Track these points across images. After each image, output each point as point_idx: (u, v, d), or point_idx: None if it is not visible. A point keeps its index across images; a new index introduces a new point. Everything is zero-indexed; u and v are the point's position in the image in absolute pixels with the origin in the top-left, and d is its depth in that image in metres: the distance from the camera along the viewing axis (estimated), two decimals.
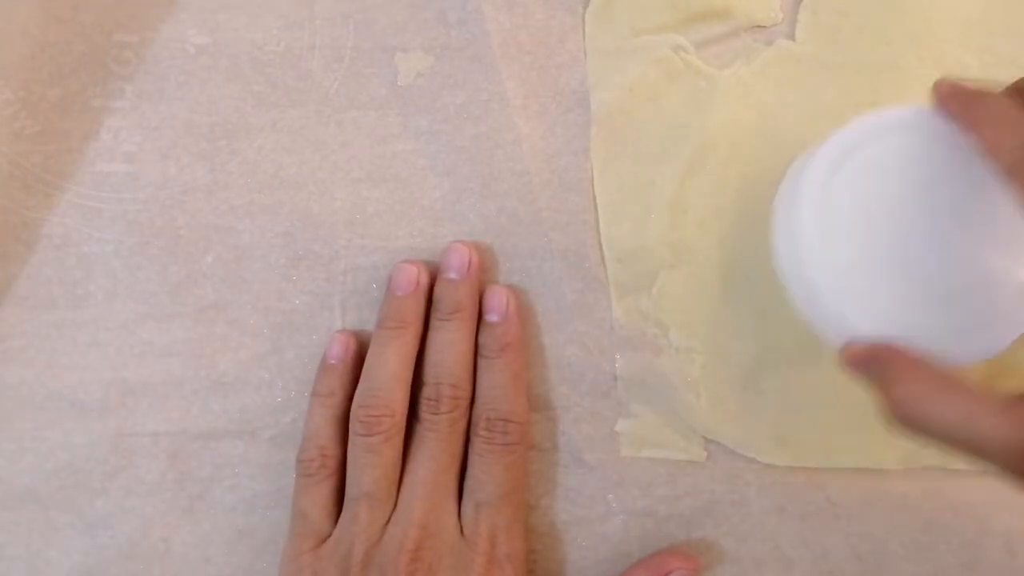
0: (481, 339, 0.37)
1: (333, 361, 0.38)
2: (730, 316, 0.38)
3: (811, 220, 0.32)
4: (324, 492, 0.36)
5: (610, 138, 0.39)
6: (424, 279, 0.38)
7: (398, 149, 0.39)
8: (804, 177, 0.33)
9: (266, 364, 0.38)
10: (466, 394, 0.37)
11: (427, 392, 0.37)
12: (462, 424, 0.37)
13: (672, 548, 0.38)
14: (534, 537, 0.38)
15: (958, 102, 0.32)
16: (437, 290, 0.38)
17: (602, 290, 0.39)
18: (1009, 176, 0.29)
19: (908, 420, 0.29)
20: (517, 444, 0.36)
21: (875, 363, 0.31)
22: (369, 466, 0.36)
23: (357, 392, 0.37)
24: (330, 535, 0.36)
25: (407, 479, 0.36)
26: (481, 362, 0.37)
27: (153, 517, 0.38)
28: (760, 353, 0.38)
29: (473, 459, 0.36)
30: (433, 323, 0.37)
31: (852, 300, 0.32)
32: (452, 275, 0.37)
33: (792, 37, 0.39)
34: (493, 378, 0.37)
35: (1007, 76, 0.38)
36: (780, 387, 0.38)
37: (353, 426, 0.36)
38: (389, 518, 0.36)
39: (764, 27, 0.39)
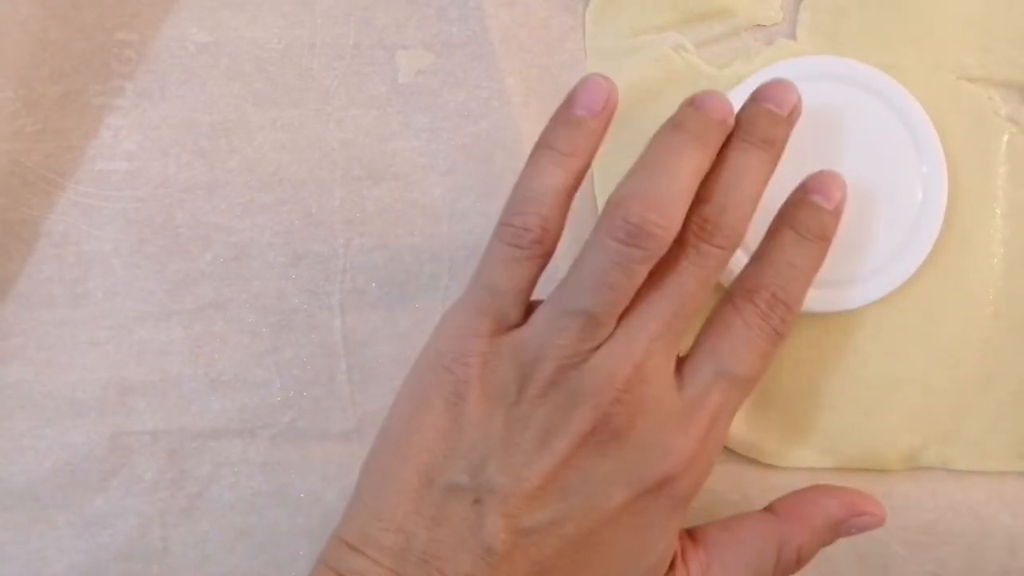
0: (802, 215, 0.32)
1: (582, 113, 0.31)
2: None
3: None
4: (528, 272, 0.31)
5: (611, 137, 0.39)
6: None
7: (398, 147, 0.39)
8: None
9: (265, 363, 0.38)
10: (741, 240, 0.31)
11: (706, 212, 0.30)
12: (723, 269, 0.31)
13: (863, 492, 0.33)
14: None
15: None
16: (749, 113, 0.32)
17: None
18: None
19: None
20: (782, 339, 0.31)
21: None
22: (608, 285, 0.29)
23: (613, 194, 0.30)
24: (514, 326, 0.31)
25: (641, 307, 0.30)
26: (790, 234, 0.32)
27: (152, 516, 0.38)
28: None
29: (737, 325, 0.31)
30: (736, 143, 0.31)
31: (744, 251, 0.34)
32: (772, 107, 0.32)
33: (792, 36, 0.39)
34: (798, 258, 0.32)
35: (1007, 76, 0.38)
36: (781, 387, 0.38)
37: (611, 222, 0.29)
38: (599, 345, 0.30)
39: (764, 26, 0.39)
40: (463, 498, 0.30)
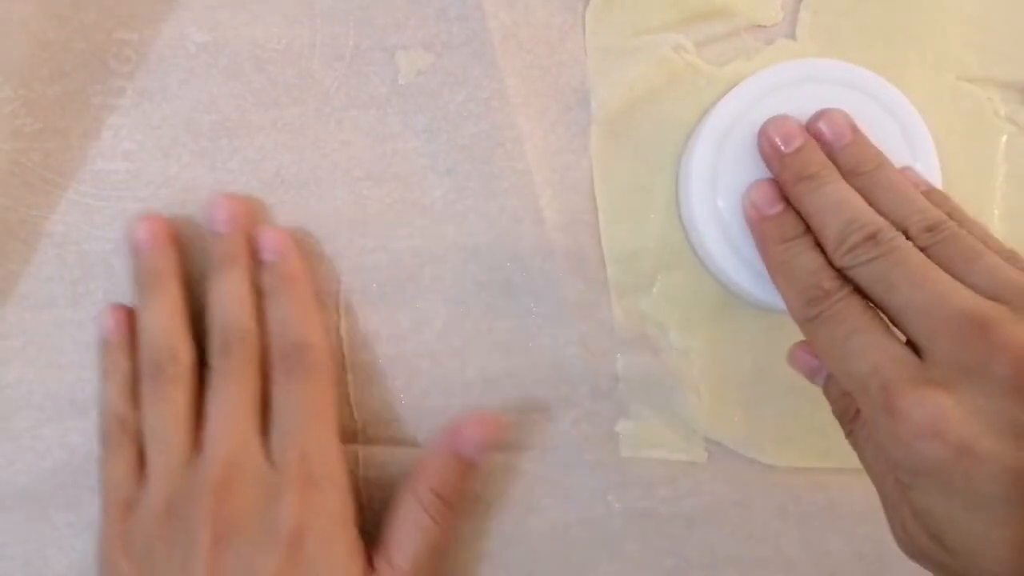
0: (262, 279, 0.37)
1: (111, 337, 0.37)
2: (730, 316, 0.38)
3: (701, 170, 0.36)
4: (129, 457, 0.35)
5: (611, 137, 0.39)
6: (165, 235, 0.37)
7: (398, 147, 0.39)
8: (698, 142, 0.37)
9: None
10: (254, 336, 0.36)
11: (215, 343, 0.36)
12: (256, 364, 0.35)
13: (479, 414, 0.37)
14: (535, 537, 0.38)
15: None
16: (211, 244, 0.37)
17: (602, 290, 0.39)
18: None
19: None
20: (316, 368, 0.35)
21: None
22: (159, 413, 0.35)
23: (140, 349, 0.36)
24: None
25: (206, 423, 0.35)
26: (265, 301, 0.36)
27: None
28: (760, 353, 0.38)
29: (274, 391, 0.35)
30: (210, 275, 0.37)
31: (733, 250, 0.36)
32: (220, 227, 0.37)
33: (792, 36, 0.39)
34: (280, 311, 0.36)
35: (1007, 76, 0.38)
36: (781, 387, 0.38)
37: (143, 382, 0.35)
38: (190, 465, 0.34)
39: (764, 26, 0.39)
40: None
